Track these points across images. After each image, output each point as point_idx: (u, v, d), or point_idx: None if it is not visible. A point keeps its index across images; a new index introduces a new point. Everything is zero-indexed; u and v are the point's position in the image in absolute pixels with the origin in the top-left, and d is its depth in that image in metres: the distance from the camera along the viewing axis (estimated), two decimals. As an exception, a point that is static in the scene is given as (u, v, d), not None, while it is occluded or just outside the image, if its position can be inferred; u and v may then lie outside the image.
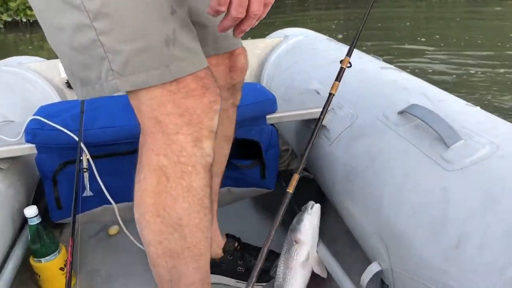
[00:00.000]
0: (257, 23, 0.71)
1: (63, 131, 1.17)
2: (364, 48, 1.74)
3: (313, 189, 1.53)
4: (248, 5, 0.65)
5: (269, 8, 0.70)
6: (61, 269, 1.23)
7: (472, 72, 4.32)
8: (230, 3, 0.65)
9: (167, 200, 0.74)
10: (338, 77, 0.94)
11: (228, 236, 1.25)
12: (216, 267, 1.22)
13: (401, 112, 1.09)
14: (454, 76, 4.25)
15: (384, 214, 0.97)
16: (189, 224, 0.75)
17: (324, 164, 1.33)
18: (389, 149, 1.04)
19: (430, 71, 4.36)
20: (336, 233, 1.41)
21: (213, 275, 1.22)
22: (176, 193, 0.74)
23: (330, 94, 0.93)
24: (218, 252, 1.22)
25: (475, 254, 0.72)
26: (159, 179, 0.74)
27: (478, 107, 1.06)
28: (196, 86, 0.72)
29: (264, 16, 0.70)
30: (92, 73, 0.70)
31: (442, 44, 5.53)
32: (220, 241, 1.22)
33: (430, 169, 0.90)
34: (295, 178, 0.84)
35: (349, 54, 0.97)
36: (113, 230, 1.51)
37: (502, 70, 4.35)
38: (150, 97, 0.71)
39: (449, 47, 5.37)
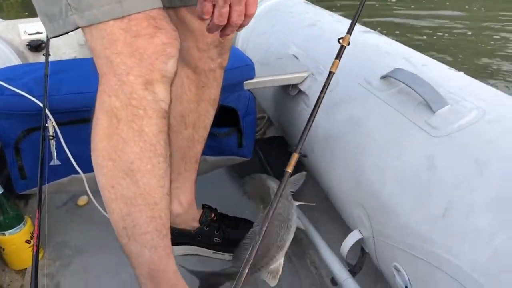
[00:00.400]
0: (241, 29, 0.78)
1: (25, 97, 1.09)
2: (333, 9, 1.69)
3: (288, 154, 1.50)
4: (229, 15, 0.72)
5: (251, 18, 0.76)
6: (27, 241, 1.17)
7: (439, 34, 4.35)
8: (212, 13, 0.72)
9: (118, 142, 0.73)
10: (339, 55, 0.89)
11: (204, 207, 1.21)
12: (192, 239, 1.18)
13: (384, 77, 1.05)
14: (424, 36, 4.27)
15: (366, 182, 0.95)
16: (140, 170, 0.74)
17: (302, 130, 1.29)
18: (372, 115, 1.01)
19: (398, 32, 4.37)
20: (314, 201, 1.39)
21: (189, 246, 1.19)
22: (127, 136, 0.73)
23: (330, 72, 0.87)
24: (194, 224, 1.18)
25: (462, 221, 0.71)
26: (110, 120, 0.73)
27: (462, 72, 1.04)
28: (147, 25, 0.71)
29: (246, 24, 0.77)
30: (55, 8, 0.71)
31: (412, 7, 5.52)
32: (196, 213, 1.18)
33: (416, 136, 0.88)
34: (294, 157, 0.80)
35: (349, 32, 0.91)
36: (82, 200, 1.44)
37: (469, 32, 4.40)
38: (102, 35, 0.70)
39: (418, 6, 5.38)
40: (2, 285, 1.15)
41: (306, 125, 0.82)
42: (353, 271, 1.03)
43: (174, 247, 1.18)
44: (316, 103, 0.83)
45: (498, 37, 4.27)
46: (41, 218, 0.93)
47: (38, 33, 1.79)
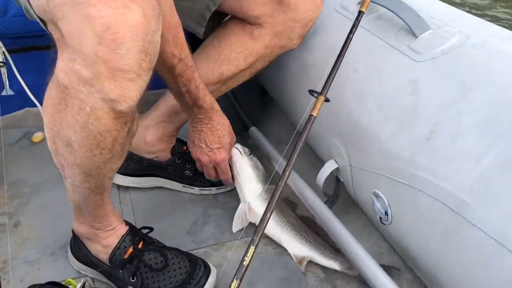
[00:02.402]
0: None
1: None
2: None
3: (256, 88, 1.46)
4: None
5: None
6: (-20, 180, 1.08)
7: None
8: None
9: (62, 122, 0.64)
10: None
11: (176, 139, 1.16)
12: (163, 170, 1.13)
13: (362, 2, 1.01)
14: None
15: (345, 110, 0.93)
16: (80, 151, 0.67)
17: (274, 62, 1.24)
18: (351, 42, 0.97)
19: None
20: (284, 135, 1.37)
21: (158, 178, 1.15)
22: (71, 123, 0.63)
23: (360, 12, 0.82)
24: (166, 155, 1.13)
25: (448, 144, 0.70)
26: (59, 100, 0.62)
27: (442, 2, 1.01)
28: None
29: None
30: None
31: None
32: (169, 144, 1.13)
33: (398, 61, 0.86)
34: (320, 100, 0.75)
35: None
36: (37, 137, 1.34)
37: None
38: None
39: None
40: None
41: (334, 66, 0.78)
42: (330, 200, 1.03)
43: (142, 178, 1.14)
44: (345, 43, 0.78)
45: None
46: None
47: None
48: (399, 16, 0.89)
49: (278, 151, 1.19)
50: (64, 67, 0.59)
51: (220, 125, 1.01)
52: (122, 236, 0.89)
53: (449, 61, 0.79)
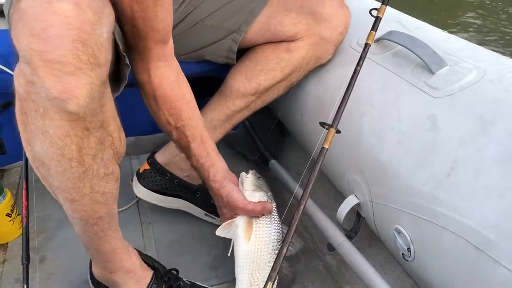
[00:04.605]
0: None
1: (5, 72, 1.02)
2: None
3: (274, 121, 1.48)
4: None
5: None
6: (8, 215, 1.11)
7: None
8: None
9: (29, 134, 0.61)
10: (374, 27, 0.88)
11: None
12: (191, 193, 1.14)
13: (377, 40, 1.03)
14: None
15: (364, 145, 0.94)
16: (51, 168, 0.63)
17: (290, 97, 1.26)
18: (368, 78, 0.99)
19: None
20: (304, 168, 1.37)
21: (183, 201, 1.16)
22: (35, 132, 0.60)
23: (366, 44, 0.86)
24: (198, 179, 1.13)
25: (470, 180, 0.71)
26: (21, 112, 0.60)
27: (457, 37, 1.03)
28: None
29: None
30: None
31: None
32: None
33: (415, 97, 0.87)
34: (332, 133, 0.78)
35: (385, 2, 0.92)
36: (62, 173, 1.38)
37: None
38: None
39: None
40: (-18, 261, 1.10)
41: (343, 98, 0.80)
42: (349, 236, 1.03)
43: (167, 197, 1.15)
44: (354, 72, 0.80)
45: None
46: (28, 190, 0.89)
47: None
48: (415, 53, 0.91)
49: (293, 177, 1.20)
50: (15, 72, 0.57)
51: (214, 196, 1.00)
52: (148, 286, 0.88)
53: (467, 96, 0.80)
